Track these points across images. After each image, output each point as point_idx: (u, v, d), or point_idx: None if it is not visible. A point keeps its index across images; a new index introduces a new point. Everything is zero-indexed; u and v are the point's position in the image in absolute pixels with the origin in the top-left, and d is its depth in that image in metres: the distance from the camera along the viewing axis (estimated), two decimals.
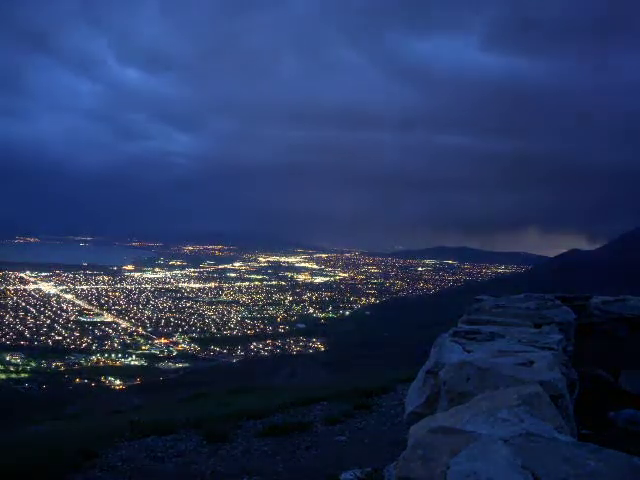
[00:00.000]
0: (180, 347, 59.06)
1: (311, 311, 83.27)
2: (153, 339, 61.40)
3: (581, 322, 5.09)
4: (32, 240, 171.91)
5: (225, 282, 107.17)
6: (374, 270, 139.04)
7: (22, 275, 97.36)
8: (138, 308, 77.69)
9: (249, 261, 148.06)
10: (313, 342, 62.62)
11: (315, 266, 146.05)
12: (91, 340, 59.22)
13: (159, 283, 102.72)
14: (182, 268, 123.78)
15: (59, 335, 60.51)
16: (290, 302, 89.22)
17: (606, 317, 5.57)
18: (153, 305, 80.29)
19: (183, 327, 67.71)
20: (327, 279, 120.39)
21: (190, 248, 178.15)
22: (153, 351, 57.16)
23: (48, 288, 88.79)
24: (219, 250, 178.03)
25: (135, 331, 64.73)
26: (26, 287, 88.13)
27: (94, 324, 66.35)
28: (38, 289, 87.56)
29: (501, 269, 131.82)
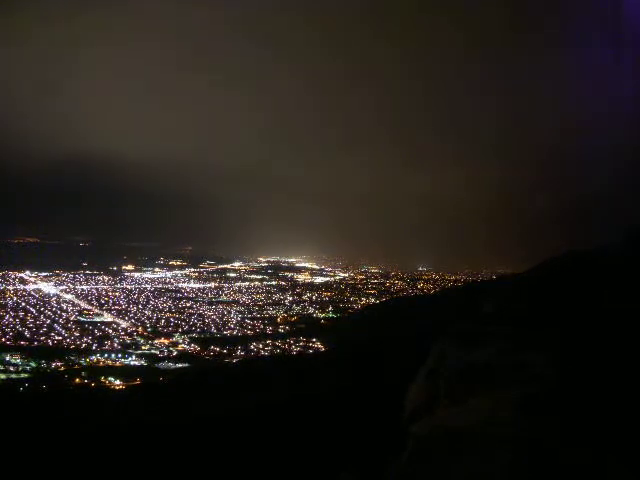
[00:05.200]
0: (180, 347, 59.06)
1: (311, 311, 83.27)
2: (153, 339, 61.39)
3: (582, 322, 5.10)
4: (32, 240, 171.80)
5: (225, 282, 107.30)
6: (374, 270, 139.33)
7: (22, 275, 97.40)
8: (138, 308, 77.71)
9: (249, 261, 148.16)
10: (313, 342, 62.61)
11: (315, 266, 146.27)
12: (91, 340, 59.20)
13: (159, 283, 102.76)
14: (182, 268, 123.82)
15: (59, 335, 60.47)
16: (290, 302, 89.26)
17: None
18: (153, 305, 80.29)
19: (183, 327, 67.69)
20: (327, 279, 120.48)
21: (190, 248, 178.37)
22: (153, 351, 57.15)
23: (48, 288, 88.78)
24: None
25: (135, 331, 64.73)
26: (26, 287, 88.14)
27: (94, 324, 66.32)
28: (38, 289, 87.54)
29: (501, 269, 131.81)
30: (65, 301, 79.64)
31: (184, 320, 71.34)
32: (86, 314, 71.81)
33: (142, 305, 79.91)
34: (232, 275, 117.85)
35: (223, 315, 75.99)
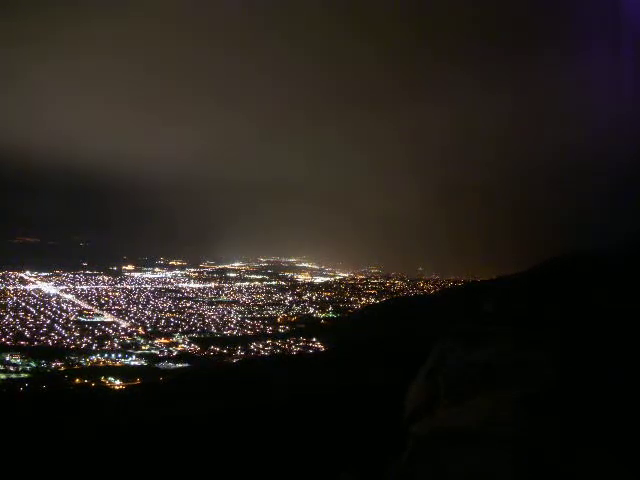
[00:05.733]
0: (180, 347, 59.08)
1: (311, 311, 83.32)
2: (153, 339, 61.42)
3: (582, 322, 5.10)
4: (32, 240, 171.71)
5: (225, 282, 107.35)
6: (374, 270, 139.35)
7: (22, 275, 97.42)
8: (138, 308, 77.73)
9: (249, 261, 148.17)
10: (313, 342, 62.66)
11: (315, 266, 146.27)
12: (91, 340, 59.22)
13: (159, 283, 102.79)
14: (182, 268, 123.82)
15: (59, 335, 60.50)
16: (290, 302, 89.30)
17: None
18: (153, 305, 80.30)
19: (183, 327, 67.72)
20: (327, 279, 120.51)
21: (190, 248, 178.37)
22: (153, 351, 57.17)
23: (48, 288, 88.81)
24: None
25: (135, 331, 64.75)
26: (26, 287, 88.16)
27: (94, 324, 66.34)
28: (38, 289, 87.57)
29: (501, 269, 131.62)
30: (65, 301, 79.65)
31: (184, 320, 71.36)
32: (86, 314, 71.82)
33: (142, 305, 79.93)
34: (232, 275, 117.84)
35: (223, 315, 76.01)
